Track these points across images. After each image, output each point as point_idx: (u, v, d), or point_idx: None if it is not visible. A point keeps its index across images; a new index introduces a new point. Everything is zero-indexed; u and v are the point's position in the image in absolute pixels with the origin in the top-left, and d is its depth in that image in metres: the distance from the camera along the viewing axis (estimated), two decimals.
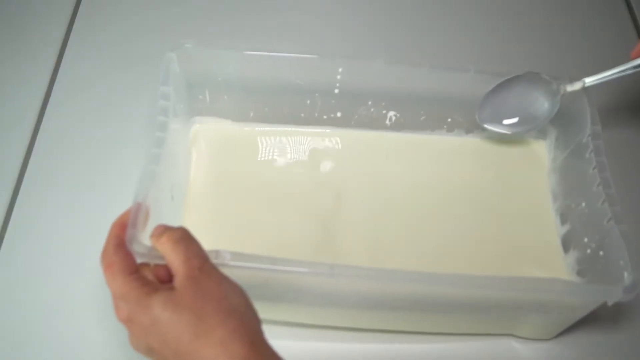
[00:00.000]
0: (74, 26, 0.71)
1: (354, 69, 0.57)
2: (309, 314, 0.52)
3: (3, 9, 0.72)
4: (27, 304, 0.53)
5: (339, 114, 0.61)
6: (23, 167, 0.60)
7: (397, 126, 0.62)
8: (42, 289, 0.54)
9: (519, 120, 0.60)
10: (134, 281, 0.40)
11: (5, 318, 0.53)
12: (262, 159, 0.61)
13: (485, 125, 0.60)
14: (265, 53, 0.56)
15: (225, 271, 0.41)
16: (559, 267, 0.55)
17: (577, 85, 0.57)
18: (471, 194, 0.59)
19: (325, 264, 0.44)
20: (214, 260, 0.43)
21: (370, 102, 0.60)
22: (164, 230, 0.42)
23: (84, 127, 0.63)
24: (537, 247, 0.56)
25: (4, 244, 0.56)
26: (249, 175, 0.59)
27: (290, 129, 0.62)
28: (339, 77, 0.58)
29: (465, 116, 0.61)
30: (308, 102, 0.60)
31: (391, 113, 0.61)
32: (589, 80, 0.56)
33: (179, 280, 0.40)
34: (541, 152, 0.62)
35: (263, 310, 0.51)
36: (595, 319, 0.54)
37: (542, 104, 0.59)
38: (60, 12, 0.71)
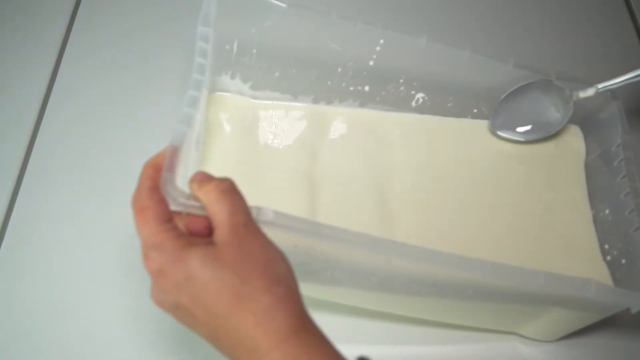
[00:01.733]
0: (74, 26, 0.69)
1: (395, 43, 0.55)
2: (329, 290, 0.50)
3: (3, 9, 0.69)
4: (27, 305, 0.52)
5: (366, 88, 0.59)
6: (23, 167, 0.59)
7: (422, 109, 0.61)
8: (42, 289, 0.53)
9: (532, 128, 0.60)
10: (169, 230, 0.37)
11: (5, 318, 0.51)
12: (278, 133, 0.58)
13: (499, 133, 0.60)
14: (309, 10, 0.53)
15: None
16: (593, 256, 0.54)
17: (589, 92, 0.57)
18: (504, 181, 0.58)
19: (368, 235, 0.42)
20: (255, 216, 0.40)
21: (402, 80, 0.58)
22: (208, 178, 0.39)
23: (84, 127, 0.62)
24: (572, 236, 0.55)
25: (3, 244, 0.55)
26: (264, 144, 0.57)
27: (310, 105, 0.60)
28: (378, 48, 0.56)
29: (491, 108, 0.60)
30: (339, 70, 0.58)
31: (420, 95, 0.60)
32: (601, 86, 0.57)
33: (221, 235, 0.37)
34: (577, 141, 0.61)
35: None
36: (599, 323, 0.54)
37: (555, 111, 0.59)
38: (60, 12, 0.70)
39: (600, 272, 0.53)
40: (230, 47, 0.56)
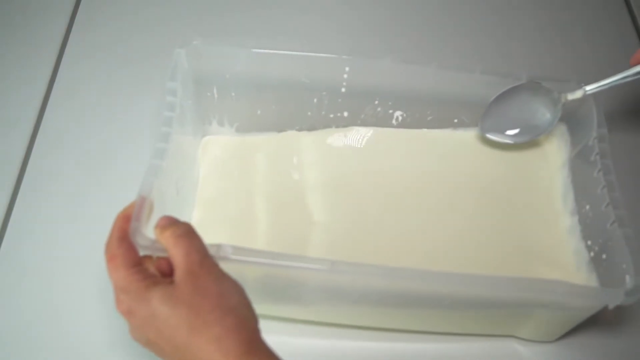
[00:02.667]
0: (74, 26, 0.71)
1: (360, 68, 0.57)
2: (308, 311, 0.52)
3: (3, 9, 0.71)
4: (27, 305, 0.53)
5: (345, 114, 0.61)
6: (23, 167, 0.60)
7: (403, 126, 0.62)
8: (41, 288, 0.54)
9: (521, 130, 0.61)
10: (135, 274, 0.41)
11: (4, 318, 0.53)
12: (270, 164, 0.61)
13: (488, 135, 0.61)
14: (272, 51, 0.57)
15: (225, 265, 0.42)
16: (567, 264, 0.54)
17: (577, 94, 0.57)
18: (479, 190, 0.59)
19: (326, 260, 0.44)
20: (215, 253, 0.43)
21: (376, 102, 0.60)
22: (168, 224, 0.43)
23: (84, 127, 0.63)
24: (546, 244, 0.56)
25: (3, 244, 0.56)
26: (257, 177, 0.60)
27: (296, 132, 0.62)
28: (345, 76, 0.58)
29: (471, 116, 0.61)
30: (315, 100, 0.60)
31: (398, 113, 0.61)
32: (590, 88, 0.56)
33: (178, 274, 0.40)
34: (551, 149, 0.61)
35: (262, 306, 0.51)
36: (599, 321, 0.54)
37: (544, 113, 0.60)
38: (60, 12, 0.71)
39: (581, 278, 0.53)
40: (212, 94, 0.60)
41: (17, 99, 0.65)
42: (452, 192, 0.59)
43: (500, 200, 0.59)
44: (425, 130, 0.62)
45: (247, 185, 0.60)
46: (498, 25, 0.76)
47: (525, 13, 0.77)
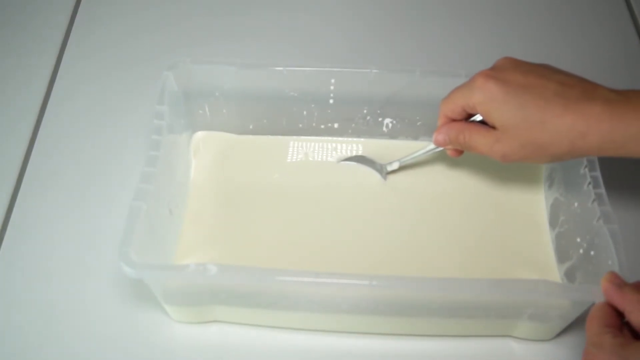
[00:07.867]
0: (74, 26, 0.71)
1: (346, 79, 0.58)
2: (303, 320, 0.53)
3: (3, 8, 0.72)
4: (26, 305, 0.54)
5: (336, 125, 0.62)
6: (23, 167, 0.61)
7: (394, 133, 0.63)
8: (41, 289, 0.54)
9: None
10: (608, 333, 0.42)
11: (5, 318, 0.53)
12: (262, 168, 0.62)
13: None
14: (258, 67, 0.58)
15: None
16: (551, 270, 0.55)
17: (394, 165, 0.61)
18: (466, 200, 0.60)
19: (310, 272, 0.45)
20: (201, 274, 0.45)
21: (365, 110, 0.61)
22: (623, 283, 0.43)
23: (83, 127, 0.64)
24: (530, 251, 0.57)
25: (3, 244, 0.57)
26: (249, 185, 0.61)
27: (289, 137, 0.63)
28: (332, 87, 0.59)
29: None
30: (305, 112, 0.61)
31: (387, 120, 0.62)
32: (403, 160, 0.60)
33: None
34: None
35: (258, 317, 0.53)
36: None
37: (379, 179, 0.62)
38: (60, 12, 0.72)
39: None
40: (204, 112, 0.62)
41: (17, 99, 0.65)
42: (439, 201, 0.60)
43: (487, 210, 0.59)
44: (409, 141, 0.63)
45: (240, 189, 0.60)
46: (497, 26, 0.76)
47: (524, 13, 0.78)
